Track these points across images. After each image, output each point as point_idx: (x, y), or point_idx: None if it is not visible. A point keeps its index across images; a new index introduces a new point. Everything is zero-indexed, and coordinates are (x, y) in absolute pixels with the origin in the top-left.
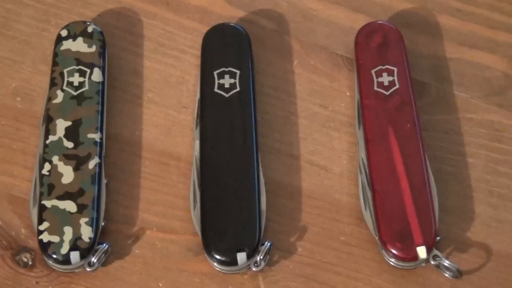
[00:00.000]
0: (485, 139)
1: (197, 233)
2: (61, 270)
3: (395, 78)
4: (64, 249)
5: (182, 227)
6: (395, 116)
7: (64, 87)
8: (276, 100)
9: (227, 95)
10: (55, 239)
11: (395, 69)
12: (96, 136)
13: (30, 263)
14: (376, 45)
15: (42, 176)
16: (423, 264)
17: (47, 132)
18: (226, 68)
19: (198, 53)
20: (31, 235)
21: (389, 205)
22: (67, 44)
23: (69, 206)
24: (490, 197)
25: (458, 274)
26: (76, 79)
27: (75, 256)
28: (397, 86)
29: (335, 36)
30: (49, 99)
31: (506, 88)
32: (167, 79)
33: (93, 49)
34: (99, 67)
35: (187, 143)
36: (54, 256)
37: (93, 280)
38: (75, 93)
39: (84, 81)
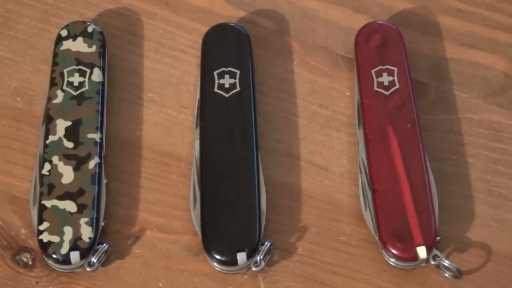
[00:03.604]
0: (485, 139)
1: (197, 233)
2: (61, 270)
3: (395, 78)
4: (64, 249)
5: (182, 227)
6: (395, 116)
7: (64, 87)
8: (276, 100)
9: (227, 95)
10: (55, 239)
11: (395, 69)
12: (96, 136)
13: (30, 263)
14: (376, 45)
15: (42, 176)
16: (423, 264)
17: (47, 132)
18: (226, 68)
19: (198, 53)
20: (31, 235)
21: (389, 205)
22: (67, 44)
23: (69, 206)
24: (490, 197)
25: (458, 274)
26: (76, 79)
27: (75, 256)
28: (397, 86)
29: (335, 36)
30: (49, 99)
31: (506, 88)
32: (167, 79)
33: (93, 49)
34: (99, 67)
35: (187, 143)
36: (54, 256)
37: (93, 280)
38: (75, 93)
39: (84, 81)
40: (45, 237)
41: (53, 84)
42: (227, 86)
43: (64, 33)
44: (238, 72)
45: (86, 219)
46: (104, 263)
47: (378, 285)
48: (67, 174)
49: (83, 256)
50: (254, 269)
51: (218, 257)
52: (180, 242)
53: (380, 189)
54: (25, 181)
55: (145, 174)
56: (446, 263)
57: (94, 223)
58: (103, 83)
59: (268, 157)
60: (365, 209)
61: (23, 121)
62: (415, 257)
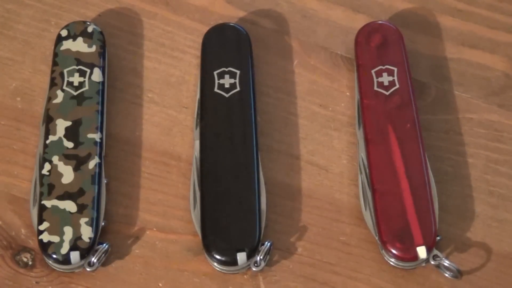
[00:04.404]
0: (485, 139)
1: (197, 233)
2: (61, 270)
3: (395, 78)
4: (64, 249)
5: (182, 227)
6: (395, 116)
7: (64, 87)
8: (276, 100)
9: (227, 95)
10: (55, 239)
11: (395, 69)
12: (96, 136)
13: (30, 263)
14: (376, 45)
15: (42, 176)
16: (423, 264)
17: (47, 132)
18: (226, 68)
19: (198, 53)
20: (31, 235)
21: (389, 205)
22: (67, 44)
23: (69, 206)
24: (490, 197)
25: (458, 274)
26: (76, 79)
27: (75, 256)
28: (397, 86)
29: (335, 36)
30: (49, 99)
31: (506, 88)
32: (167, 79)
33: (93, 49)
34: (99, 67)
35: (187, 143)
36: (54, 256)
37: (93, 280)
38: (75, 93)
39: (84, 81)
40: (45, 237)
41: (53, 84)
42: (227, 86)
43: (64, 33)
44: (238, 72)
45: (86, 219)
46: (104, 263)
47: (378, 285)
48: (67, 174)
49: (83, 256)
50: (254, 269)
51: (218, 257)
52: (180, 242)
53: (380, 189)
54: (25, 181)
55: (145, 174)
56: (446, 263)
57: (94, 223)
58: (103, 83)
59: (268, 157)
60: (365, 209)
61: (23, 121)
62: (415, 257)
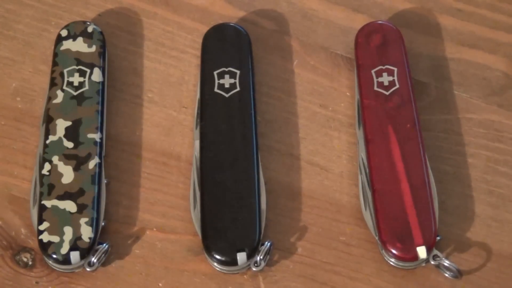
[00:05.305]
0: (485, 139)
1: (197, 233)
2: (61, 270)
3: (395, 78)
4: (64, 249)
5: (182, 227)
6: (395, 116)
7: (64, 87)
8: (276, 100)
9: (227, 95)
10: (55, 239)
11: (395, 69)
12: (96, 136)
13: (30, 263)
14: (376, 45)
15: (42, 176)
16: (423, 264)
17: (47, 132)
18: (226, 68)
19: (198, 53)
20: (31, 235)
21: (389, 205)
22: (67, 44)
23: (69, 206)
24: (490, 197)
25: (458, 274)
26: (76, 79)
27: (75, 256)
28: (397, 86)
29: (335, 36)
30: (49, 99)
31: (506, 88)
32: (167, 79)
33: (93, 49)
34: (99, 67)
35: (187, 143)
36: (54, 256)
37: (93, 280)
38: (75, 93)
39: (84, 81)
40: (45, 237)
41: (53, 84)
42: (227, 86)
43: (64, 33)
44: (238, 72)
45: (86, 219)
46: (104, 263)
47: (378, 285)
48: (67, 174)
49: (83, 256)
50: (254, 269)
51: (218, 257)
52: (180, 242)
53: (380, 189)
54: (25, 181)
55: (145, 174)
56: (446, 263)
57: (94, 223)
58: (103, 83)
59: (268, 157)
60: (365, 209)
61: (23, 121)
62: (415, 257)
